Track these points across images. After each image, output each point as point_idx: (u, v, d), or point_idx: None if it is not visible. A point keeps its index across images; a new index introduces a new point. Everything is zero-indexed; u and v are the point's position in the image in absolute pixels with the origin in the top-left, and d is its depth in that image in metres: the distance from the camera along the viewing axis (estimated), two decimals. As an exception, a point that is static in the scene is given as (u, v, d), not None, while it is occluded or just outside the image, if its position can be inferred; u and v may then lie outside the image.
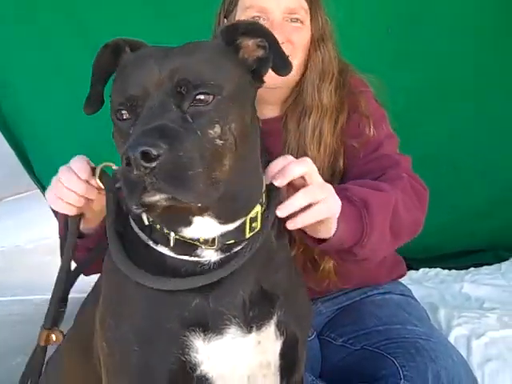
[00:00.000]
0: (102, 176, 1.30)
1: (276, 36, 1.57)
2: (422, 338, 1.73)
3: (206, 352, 1.13)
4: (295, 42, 1.69)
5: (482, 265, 3.07)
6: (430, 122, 3.00)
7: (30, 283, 3.96)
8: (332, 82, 1.73)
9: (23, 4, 3.15)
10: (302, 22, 1.70)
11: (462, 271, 2.97)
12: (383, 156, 1.73)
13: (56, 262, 4.73)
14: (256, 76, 1.16)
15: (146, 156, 0.92)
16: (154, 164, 0.93)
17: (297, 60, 1.69)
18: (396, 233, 1.56)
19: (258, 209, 1.16)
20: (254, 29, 1.16)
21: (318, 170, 1.60)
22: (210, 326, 1.13)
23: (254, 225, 1.15)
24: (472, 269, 3.00)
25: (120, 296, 1.19)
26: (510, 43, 2.95)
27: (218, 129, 1.03)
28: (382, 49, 2.93)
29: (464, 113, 3.03)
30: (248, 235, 1.14)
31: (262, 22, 1.66)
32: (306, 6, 1.70)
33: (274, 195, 1.22)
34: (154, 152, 0.92)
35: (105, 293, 1.22)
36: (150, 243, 1.15)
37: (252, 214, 1.14)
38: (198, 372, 1.13)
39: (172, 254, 1.13)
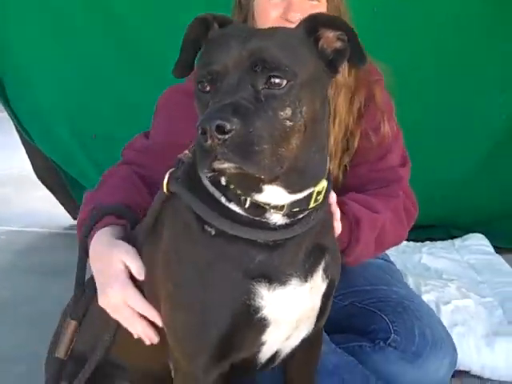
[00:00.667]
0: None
1: (293, 13, 1.71)
2: (407, 299, 1.94)
3: (270, 298, 1.26)
4: None
5: (435, 239, 3.31)
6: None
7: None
8: None
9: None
10: (318, 0, 1.77)
11: (419, 243, 3.19)
12: (389, 169, 1.91)
13: (15, 194, 4.72)
14: (332, 66, 1.24)
15: (220, 129, 1.03)
16: (226, 137, 1.03)
17: None
18: (379, 246, 1.83)
19: (324, 184, 1.28)
20: (336, 22, 1.23)
21: (334, 141, 1.77)
22: (274, 279, 1.26)
23: (318, 197, 1.27)
24: (428, 242, 3.22)
25: (186, 243, 1.29)
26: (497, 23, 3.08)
27: (288, 111, 1.12)
28: (368, 29, 3.04)
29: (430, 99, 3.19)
30: (312, 205, 1.26)
31: (280, 1, 1.74)
32: None
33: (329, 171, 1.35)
34: (228, 126, 1.03)
35: (171, 239, 1.32)
36: (223, 200, 1.25)
37: (318, 188, 1.26)
38: (260, 315, 1.26)
39: (243, 213, 1.24)
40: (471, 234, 3.28)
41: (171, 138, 1.74)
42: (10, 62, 3.40)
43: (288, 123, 1.11)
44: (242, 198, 1.23)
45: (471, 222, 3.41)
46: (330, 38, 1.23)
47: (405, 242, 3.16)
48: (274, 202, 1.22)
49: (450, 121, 3.23)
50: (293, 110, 1.12)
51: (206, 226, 1.26)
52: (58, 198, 3.83)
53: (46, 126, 3.46)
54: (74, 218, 3.92)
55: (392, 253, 2.92)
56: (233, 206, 1.24)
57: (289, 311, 1.29)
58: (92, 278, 1.53)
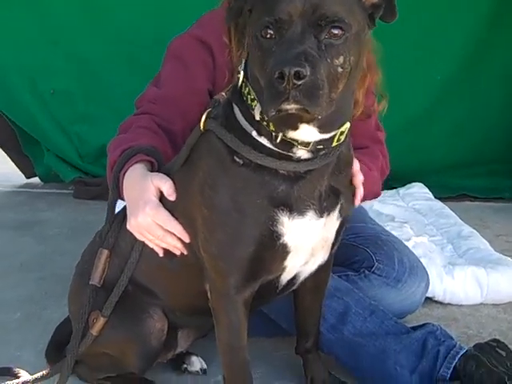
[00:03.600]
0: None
1: None
2: (383, 234, 2.18)
3: (290, 226, 1.42)
4: None
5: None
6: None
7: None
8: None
9: None
10: None
11: (367, 192, 3.45)
12: (370, 129, 2.10)
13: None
14: (370, 19, 1.35)
15: (297, 74, 1.17)
16: (301, 82, 1.17)
17: None
18: (365, 199, 1.92)
19: (347, 125, 1.41)
20: None
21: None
22: (294, 208, 1.41)
23: (341, 137, 1.42)
24: (374, 191, 3.50)
25: (218, 172, 1.43)
26: None
27: (341, 59, 1.24)
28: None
29: None
30: (334, 144, 1.41)
31: None
32: None
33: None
34: (304, 73, 1.17)
35: (205, 168, 1.46)
36: (254, 134, 1.39)
37: (342, 129, 1.39)
38: (281, 241, 1.42)
39: (271, 147, 1.39)
40: (413, 183, 3.59)
41: (187, 83, 1.84)
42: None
43: (339, 69, 1.26)
44: (274, 134, 1.37)
45: (409, 173, 3.69)
46: None
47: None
48: (302, 139, 1.37)
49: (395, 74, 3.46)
50: (344, 58, 1.26)
51: (235, 157, 1.40)
52: (10, 156, 3.81)
53: (3, 82, 3.44)
54: (28, 177, 3.92)
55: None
56: (263, 140, 1.38)
57: (305, 240, 1.46)
58: (121, 212, 1.66)
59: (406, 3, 3.24)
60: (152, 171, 1.65)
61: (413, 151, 3.70)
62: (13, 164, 3.90)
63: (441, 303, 2.38)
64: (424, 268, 2.10)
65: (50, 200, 3.62)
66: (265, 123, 1.37)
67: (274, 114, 1.24)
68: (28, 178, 3.92)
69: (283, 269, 1.49)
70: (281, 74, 1.16)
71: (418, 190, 3.51)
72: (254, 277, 1.47)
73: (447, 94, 3.61)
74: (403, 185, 3.65)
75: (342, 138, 1.42)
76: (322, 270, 1.64)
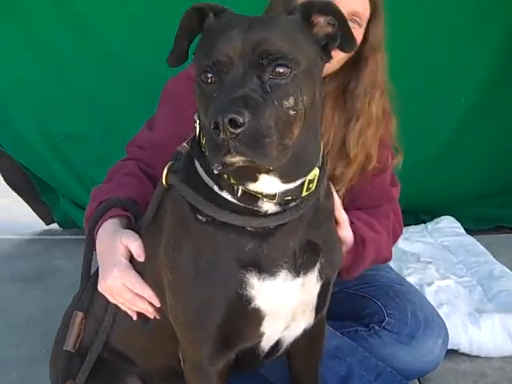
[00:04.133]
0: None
1: None
2: (397, 283, 2.00)
3: (260, 289, 1.29)
4: None
5: (405, 225, 3.38)
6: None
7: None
8: (382, 92, 1.84)
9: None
10: (359, 26, 1.78)
11: (393, 229, 3.26)
12: (382, 186, 1.95)
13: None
14: (324, 51, 1.26)
15: (233, 122, 1.04)
16: (239, 130, 1.05)
17: (344, 53, 1.74)
18: (373, 264, 1.86)
19: (316, 172, 1.29)
20: (328, 7, 1.25)
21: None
22: (264, 268, 1.28)
23: (310, 185, 1.29)
24: (401, 227, 3.30)
25: (181, 232, 1.32)
26: None
27: (292, 100, 1.13)
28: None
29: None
30: (304, 194, 1.28)
31: None
32: (368, 13, 1.78)
33: (323, 159, 1.36)
34: (241, 120, 1.04)
35: (169, 228, 1.35)
36: (216, 188, 1.27)
37: (310, 176, 1.28)
38: (252, 305, 1.29)
39: (234, 201, 1.26)
40: (442, 217, 3.37)
41: (179, 127, 1.74)
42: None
43: (291, 112, 1.13)
44: (235, 186, 1.25)
45: (439, 206, 3.50)
46: (322, 23, 1.24)
47: (380, 229, 3.23)
48: (266, 191, 1.24)
49: (416, 105, 3.29)
50: (295, 99, 1.14)
51: (198, 215, 1.28)
52: (29, 204, 3.77)
53: (14, 128, 3.41)
54: (47, 223, 3.88)
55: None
56: (225, 195, 1.26)
57: (281, 303, 1.32)
58: (97, 271, 1.56)
59: (428, 22, 3.20)
60: (129, 226, 1.55)
61: (441, 182, 3.46)
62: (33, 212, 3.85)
63: (468, 355, 2.17)
64: (441, 321, 1.92)
65: (67, 247, 3.54)
66: (225, 176, 1.24)
67: (220, 168, 1.11)
68: (48, 224, 3.86)
69: (260, 335, 1.35)
70: (216, 123, 1.04)
71: (448, 224, 3.29)
72: (227, 346, 1.33)
73: (473, 118, 3.39)
74: (433, 218, 3.44)
75: (313, 186, 1.28)
76: (313, 332, 1.49)
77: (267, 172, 1.21)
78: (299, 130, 1.17)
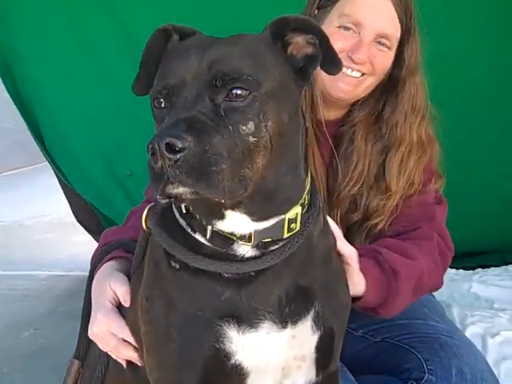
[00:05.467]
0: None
1: (360, 55, 1.61)
2: (444, 335, 1.76)
3: (241, 342, 1.14)
4: (376, 64, 1.66)
5: (488, 266, 3.10)
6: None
7: (32, 259, 4.00)
8: (423, 117, 1.72)
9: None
10: (388, 48, 1.67)
11: (470, 271, 3.00)
12: (422, 205, 1.76)
13: (56, 240, 4.76)
14: (302, 74, 1.12)
15: (171, 148, 0.92)
16: (177, 156, 0.92)
17: (371, 79, 1.68)
18: (415, 295, 1.67)
19: (297, 210, 1.14)
20: (306, 25, 1.12)
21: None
22: (244, 319, 1.13)
23: (292, 226, 1.13)
24: (479, 269, 3.03)
25: (155, 280, 1.20)
26: None
27: (251, 125, 1.00)
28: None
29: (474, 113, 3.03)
30: (286, 235, 1.13)
31: (351, 33, 1.65)
32: (398, 35, 1.67)
33: (316, 199, 1.21)
34: (179, 144, 0.91)
35: (145, 275, 1.24)
36: (188, 230, 1.15)
37: (290, 215, 1.13)
38: (233, 361, 1.14)
39: (209, 244, 1.13)
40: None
41: None
42: (43, 106, 3.43)
43: (251, 139, 1.00)
44: (205, 227, 1.11)
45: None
46: (300, 43, 1.11)
47: (454, 270, 2.99)
48: (238, 231, 1.10)
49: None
50: (256, 124, 1.00)
51: (171, 261, 1.16)
52: (94, 238, 3.80)
53: (80, 166, 3.47)
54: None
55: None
56: (198, 237, 1.14)
57: (265, 359, 1.16)
58: None
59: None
60: (129, 268, 1.44)
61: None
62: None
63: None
64: (494, 379, 1.65)
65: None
66: (197, 216, 1.11)
67: (165, 201, 0.99)
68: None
69: None
70: (153, 149, 0.91)
71: (534, 266, 2.97)
72: None
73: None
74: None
75: (296, 226, 1.12)
76: None
77: (233, 208, 1.07)
78: (265, 161, 1.02)
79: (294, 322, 1.16)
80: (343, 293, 1.31)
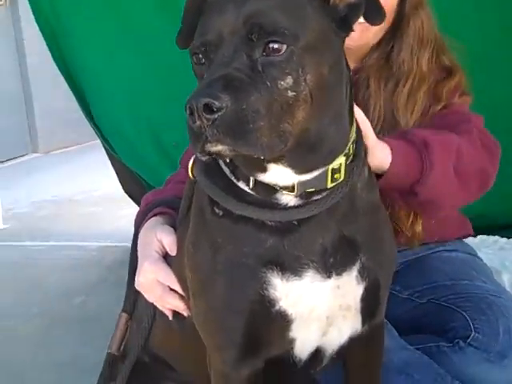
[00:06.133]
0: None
1: None
2: (492, 294, 1.73)
3: (284, 290, 1.15)
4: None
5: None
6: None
7: (83, 231, 4.10)
8: (431, 49, 1.69)
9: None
10: None
11: (522, 239, 2.92)
12: (455, 112, 1.72)
13: (105, 213, 4.88)
14: (344, 24, 1.09)
15: (208, 107, 0.92)
16: (215, 116, 0.92)
17: (378, 27, 1.61)
18: (462, 177, 1.55)
19: (341, 160, 1.13)
20: None
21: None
22: (287, 267, 1.14)
23: (336, 176, 1.13)
24: (532, 237, 2.94)
25: (199, 227, 1.22)
26: None
27: (289, 80, 0.99)
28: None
29: None
30: (330, 185, 1.13)
31: None
32: None
33: (360, 149, 1.20)
34: (217, 104, 0.92)
35: (191, 223, 1.26)
36: (232, 178, 1.16)
37: (334, 165, 1.12)
38: (277, 308, 1.15)
39: (252, 193, 1.14)
40: None
41: None
42: (91, 80, 3.49)
43: (290, 93, 0.99)
44: (248, 177, 1.13)
45: None
46: None
47: (505, 239, 2.91)
48: (281, 182, 1.11)
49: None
50: (295, 79, 0.99)
51: (215, 207, 1.17)
52: (143, 210, 3.86)
53: (128, 138, 3.50)
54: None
55: (487, 251, 2.71)
56: (242, 185, 1.15)
57: (309, 307, 1.17)
58: None
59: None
60: (173, 223, 1.48)
61: None
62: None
63: None
64: (543, 339, 1.62)
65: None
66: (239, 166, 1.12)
67: (206, 157, 0.99)
68: (163, 231, 3.94)
69: (291, 341, 1.20)
70: (190, 109, 0.92)
71: None
72: (252, 352, 1.20)
73: None
74: None
75: (339, 176, 1.12)
76: (368, 341, 1.33)
77: (275, 161, 1.07)
78: (306, 114, 1.02)
79: (339, 273, 1.17)
80: (389, 245, 1.30)
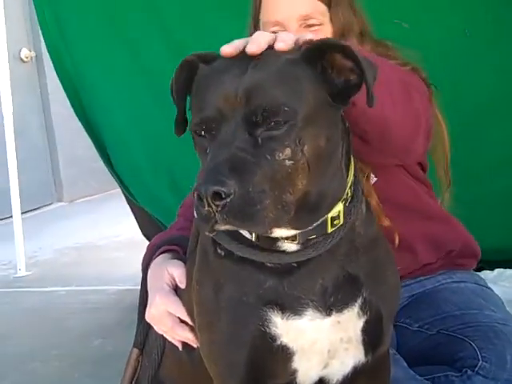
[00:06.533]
0: None
1: None
2: (500, 323, 1.73)
3: (285, 327, 1.18)
4: None
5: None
6: (506, 124, 2.94)
7: (104, 275, 4.15)
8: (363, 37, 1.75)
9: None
10: (320, 25, 1.70)
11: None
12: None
13: (126, 257, 4.91)
14: (340, 97, 1.11)
15: (218, 194, 0.96)
16: (224, 202, 0.96)
17: None
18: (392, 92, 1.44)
19: (339, 207, 1.16)
20: (348, 51, 1.09)
21: None
22: (287, 307, 1.17)
23: (335, 222, 1.16)
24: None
25: (203, 266, 1.27)
26: None
27: (288, 151, 1.03)
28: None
29: None
30: (330, 230, 1.16)
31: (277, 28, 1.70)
32: (322, 7, 1.70)
33: (357, 189, 1.23)
34: (225, 191, 0.95)
35: (197, 261, 1.31)
36: None
37: (333, 214, 1.16)
38: (278, 342, 1.18)
39: (253, 239, 1.18)
40: None
41: None
42: (109, 126, 3.60)
43: (287, 163, 1.03)
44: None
45: None
46: (342, 68, 1.10)
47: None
48: (283, 235, 1.15)
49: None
50: (293, 150, 1.03)
51: (218, 248, 1.22)
52: (164, 256, 3.90)
53: (147, 184, 3.59)
54: (180, 274, 3.98)
55: (504, 283, 2.70)
56: (245, 233, 1.18)
57: (311, 341, 1.20)
58: None
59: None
60: (179, 258, 1.53)
61: None
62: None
63: None
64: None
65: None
66: None
67: (213, 233, 1.06)
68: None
69: (293, 372, 1.23)
70: (199, 196, 0.96)
71: None
72: (255, 382, 1.23)
73: None
74: None
75: (339, 221, 1.15)
76: (374, 370, 1.33)
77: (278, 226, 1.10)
78: (305, 181, 1.06)
79: (340, 310, 1.20)
80: (392, 277, 1.33)
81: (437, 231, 1.86)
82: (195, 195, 0.98)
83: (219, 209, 0.97)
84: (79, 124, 3.64)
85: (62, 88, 3.61)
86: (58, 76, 3.60)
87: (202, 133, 1.07)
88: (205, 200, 0.97)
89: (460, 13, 2.82)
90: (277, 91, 1.03)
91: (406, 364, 1.66)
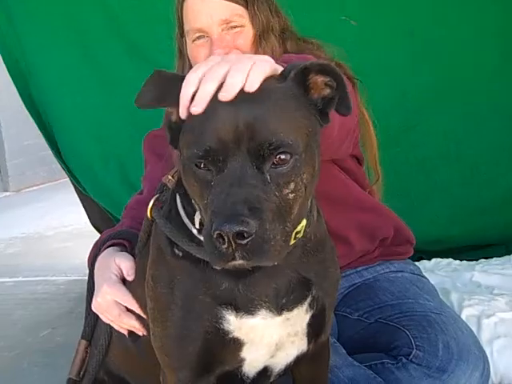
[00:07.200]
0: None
1: (217, 50, 1.70)
2: (433, 312, 1.82)
3: (238, 324, 1.24)
4: (240, 45, 1.77)
5: (490, 257, 3.13)
6: (445, 120, 3.08)
7: (52, 266, 4.14)
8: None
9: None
10: (241, 26, 1.76)
11: (473, 262, 3.02)
12: None
13: (74, 248, 4.91)
14: (322, 115, 1.15)
15: (240, 234, 0.98)
16: (246, 241, 0.99)
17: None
18: None
19: (303, 223, 1.19)
20: (327, 68, 1.12)
21: None
22: (241, 307, 1.23)
23: (297, 235, 1.19)
24: (482, 260, 3.05)
25: (159, 263, 1.31)
26: None
27: (292, 185, 1.06)
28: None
29: (477, 111, 3.10)
30: (292, 243, 1.17)
31: (204, 40, 1.77)
32: (240, 10, 1.76)
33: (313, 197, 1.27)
34: (249, 231, 0.98)
35: (150, 259, 1.35)
36: (194, 231, 1.24)
37: (298, 229, 1.17)
38: (231, 336, 1.25)
39: None
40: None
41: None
42: (59, 118, 3.56)
43: (290, 196, 1.07)
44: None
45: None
46: (319, 85, 1.13)
47: (458, 261, 3.02)
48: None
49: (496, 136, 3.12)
50: (296, 183, 1.07)
51: (175, 249, 1.26)
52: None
53: (95, 174, 3.57)
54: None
55: (441, 273, 2.82)
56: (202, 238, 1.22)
57: (260, 336, 1.26)
58: None
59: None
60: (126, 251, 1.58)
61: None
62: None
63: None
64: (482, 353, 1.71)
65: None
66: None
67: (221, 267, 1.08)
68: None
69: (240, 360, 1.29)
70: (220, 235, 0.98)
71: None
72: (206, 370, 1.29)
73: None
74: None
75: (300, 234, 1.19)
76: (315, 358, 1.42)
77: None
78: (299, 206, 1.10)
79: (290, 309, 1.26)
80: (334, 272, 1.39)
81: (368, 220, 1.94)
82: (215, 234, 0.99)
83: (240, 247, 0.99)
84: (27, 113, 3.60)
85: (10, 77, 3.56)
86: (4, 60, 3.56)
87: (202, 165, 1.06)
88: (226, 238, 0.98)
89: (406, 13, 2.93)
90: (279, 125, 1.04)
91: (344, 351, 1.73)
